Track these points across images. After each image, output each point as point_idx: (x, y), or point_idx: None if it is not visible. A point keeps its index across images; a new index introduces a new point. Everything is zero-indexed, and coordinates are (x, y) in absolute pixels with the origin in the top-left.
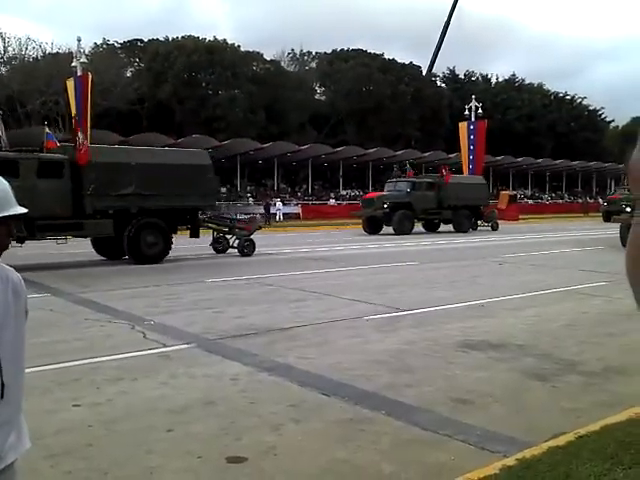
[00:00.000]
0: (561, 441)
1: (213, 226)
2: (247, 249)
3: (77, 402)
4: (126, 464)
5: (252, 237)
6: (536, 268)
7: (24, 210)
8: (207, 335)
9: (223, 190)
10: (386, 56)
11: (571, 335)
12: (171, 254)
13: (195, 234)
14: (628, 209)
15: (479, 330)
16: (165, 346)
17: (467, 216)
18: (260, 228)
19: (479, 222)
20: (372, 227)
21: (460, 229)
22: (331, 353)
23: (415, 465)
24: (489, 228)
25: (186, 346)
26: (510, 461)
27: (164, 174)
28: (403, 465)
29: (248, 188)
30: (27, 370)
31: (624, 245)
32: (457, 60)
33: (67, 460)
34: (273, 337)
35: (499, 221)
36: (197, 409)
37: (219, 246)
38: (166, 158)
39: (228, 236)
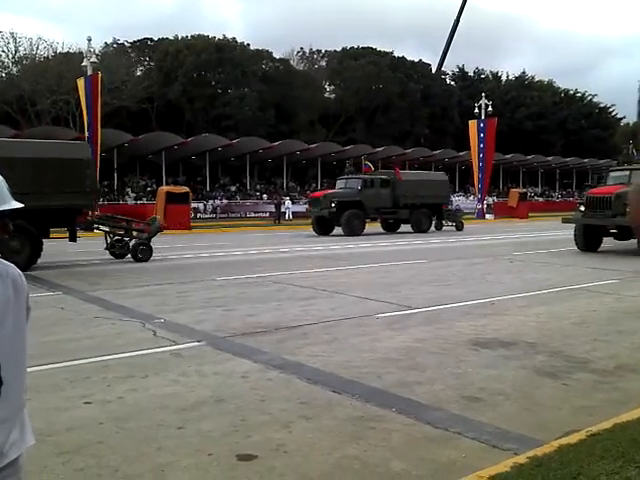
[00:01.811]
0: (572, 439)
1: (105, 228)
2: (142, 254)
3: (88, 399)
4: (137, 461)
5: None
6: (544, 266)
7: (19, 205)
8: (217, 333)
9: (233, 188)
10: (395, 54)
11: (582, 333)
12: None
13: (72, 238)
14: (582, 207)
15: (490, 328)
16: (175, 344)
17: (426, 215)
18: (162, 230)
19: (443, 222)
20: (321, 227)
21: (419, 229)
22: (341, 351)
23: (426, 463)
24: (453, 228)
25: (196, 344)
26: (521, 459)
27: (30, 170)
28: (414, 463)
29: (258, 187)
30: (38, 368)
31: (579, 247)
32: (467, 58)
33: (78, 457)
34: (283, 335)
35: (512, 218)
36: (207, 406)
37: (116, 250)
38: (33, 151)
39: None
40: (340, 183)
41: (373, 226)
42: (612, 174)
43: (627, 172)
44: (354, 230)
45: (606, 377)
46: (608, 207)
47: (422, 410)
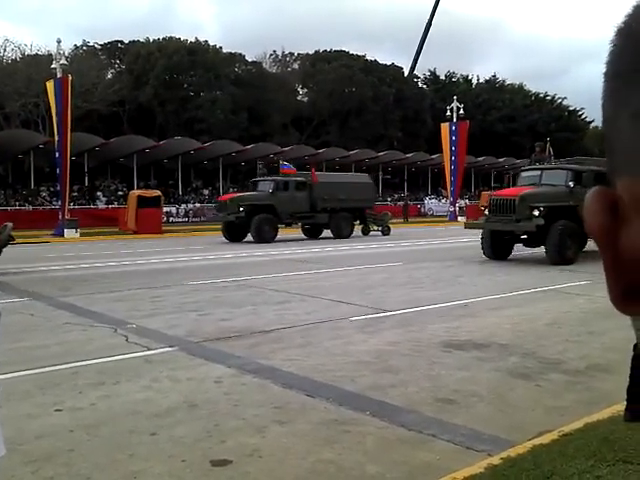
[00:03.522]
0: (545, 439)
1: None
2: None
3: (58, 407)
4: (108, 469)
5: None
6: (513, 268)
7: None
8: (190, 338)
9: (206, 192)
10: (368, 57)
11: (554, 334)
12: None
13: None
14: (487, 212)
15: (463, 330)
16: (148, 349)
17: (347, 220)
18: (13, 239)
19: (371, 226)
20: (231, 233)
21: (340, 235)
22: (315, 354)
23: (400, 465)
24: (379, 233)
25: (169, 349)
26: (495, 460)
27: None
28: (388, 465)
29: (230, 190)
30: (8, 375)
31: (485, 254)
32: (440, 61)
33: (48, 466)
34: (257, 339)
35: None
36: (181, 412)
37: None
38: None
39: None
40: (253, 186)
41: (294, 232)
42: (523, 174)
43: (538, 172)
44: (264, 237)
45: (578, 377)
46: (512, 211)
47: (396, 413)
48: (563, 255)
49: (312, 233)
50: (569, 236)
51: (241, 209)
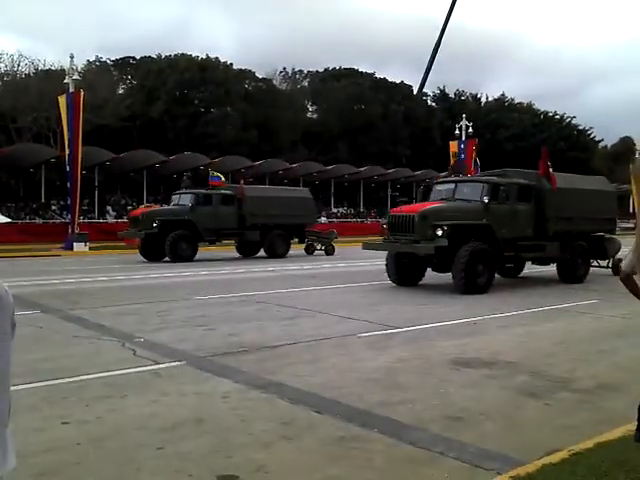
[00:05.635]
0: (555, 458)
1: None
2: None
3: (66, 420)
4: None
5: None
6: (521, 286)
7: (6, 220)
8: (198, 352)
9: None
10: (378, 75)
11: (562, 352)
12: None
13: None
14: (385, 225)
15: (471, 348)
16: (155, 363)
17: (282, 237)
18: None
19: (315, 245)
20: (147, 251)
21: (274, 254)
22: (323, 371)
23: None
24: (322, 252)
25: (177, 363)
26: (504, 479)
27: None
28: None
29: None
30: (15, 388)
31: (392, 280)
32: (450, 79)
33: (55, 479)
34: (264, 355)
35: None
36: (188, 427)
37: None
38: None
39: None
40: (174, 199)
41: (228, 250)
42: (437, 187)
43: (452, 185)
44: (179, 255)
45: (587, 396)
46: (411, 230)
47: (404, 430)
48: (470, 283)
49: (245, 251)
50: (480, 260)
51: (154, 224)
